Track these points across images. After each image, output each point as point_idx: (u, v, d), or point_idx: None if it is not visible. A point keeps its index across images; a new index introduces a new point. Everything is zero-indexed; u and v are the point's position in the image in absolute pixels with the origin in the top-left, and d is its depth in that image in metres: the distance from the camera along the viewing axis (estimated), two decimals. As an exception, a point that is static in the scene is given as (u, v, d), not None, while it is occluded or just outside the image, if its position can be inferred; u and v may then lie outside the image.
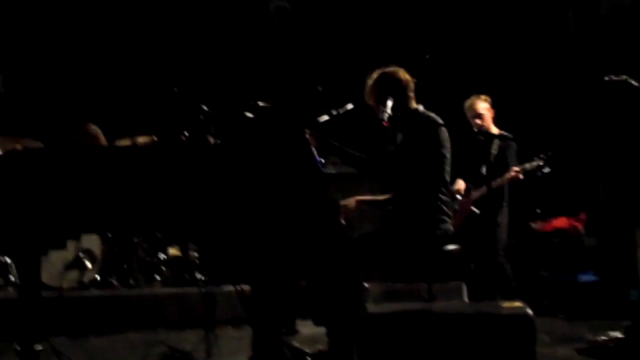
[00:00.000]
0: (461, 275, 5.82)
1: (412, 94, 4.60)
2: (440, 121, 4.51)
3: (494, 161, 6.19)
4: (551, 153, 5.99)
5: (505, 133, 6.24)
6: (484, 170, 6.14)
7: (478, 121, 6.24)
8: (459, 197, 6.28)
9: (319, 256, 4.16)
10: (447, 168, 4.51)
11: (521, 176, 6.01)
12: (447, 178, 4.52)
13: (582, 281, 6.94)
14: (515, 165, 6.09)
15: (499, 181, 6.06)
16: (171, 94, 4.98)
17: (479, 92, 6.45)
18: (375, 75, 4.61)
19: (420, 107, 4.60)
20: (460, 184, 6.31)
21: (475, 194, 6.26)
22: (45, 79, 7.93)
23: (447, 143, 4.52)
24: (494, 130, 6.29)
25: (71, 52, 8.05)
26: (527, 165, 6.00)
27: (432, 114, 4.55)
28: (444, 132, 4.50)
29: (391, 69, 4.63)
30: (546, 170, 5.95)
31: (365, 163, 4.54)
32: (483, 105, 6.28)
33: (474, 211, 6.19)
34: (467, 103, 6.34)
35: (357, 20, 8.53)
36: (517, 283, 6.05)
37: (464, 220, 6.21)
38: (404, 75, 4.61)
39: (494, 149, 6.25)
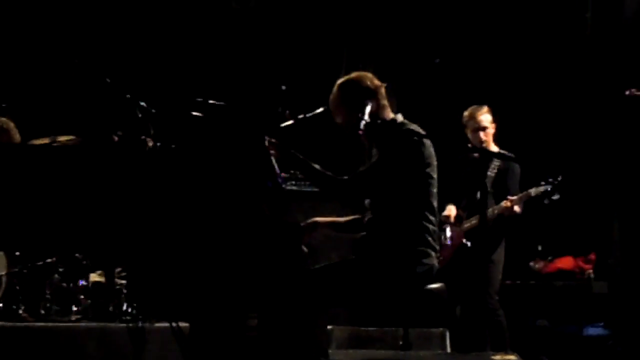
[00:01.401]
0: (445, 320, 5.83)
1: (384, 102, 4.61)
2: (423, 133, 4.52)
3: (492, 185, 6.24)
4: (561, 178, 6.04)
5: (506, 152, 6.29)
6: (478, 195, 6.18)
7: (481, 135, 6.28)
8: (447, 227, 6.31)
9: (273, 289, 4.14)
10: (434, 190, 4.53)
11: (517, 209, 6.06)
12: (434, 203, 4.53)
13: (588, 334, 6.99)
14: (515, 192, 6.13)
15: (494, 211, 6.09)
16: (103, 86, 4.95)
17: (476, 102, 6.50)
18: (338, 86, 4.63)
19: (399, 117, 4.61)
20: (451, 211, 6.34)
21: (467, 224, 6.29)
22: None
23: (433, 160, 4.53)
24: (494, 148, 6.34)
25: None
26: (532, 191, 6.05)
27: (414, 125, 4.56)
28: (429, 147, 4.50)
29: (355, 74, 4.67)
30: (555, 197, 6.01)
31: (334, 183, 4.52)
32: (487, 117, 6.33)
33: (464, 244, 6.22)
34: (467, 114, 6.39)
35: (333, 6, 8.55)
36: (511, 333, 6.08)
37: (453, 255, 6.24)
38: (372, 80, 4.63)
39: (492, 170, 6.30)
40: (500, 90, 7.90)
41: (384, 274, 4.33)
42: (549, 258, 7.54)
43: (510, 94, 8.08)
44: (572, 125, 8.12)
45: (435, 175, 4.53)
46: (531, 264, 7.58)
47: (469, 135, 6.37)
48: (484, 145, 6.29)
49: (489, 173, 6.30)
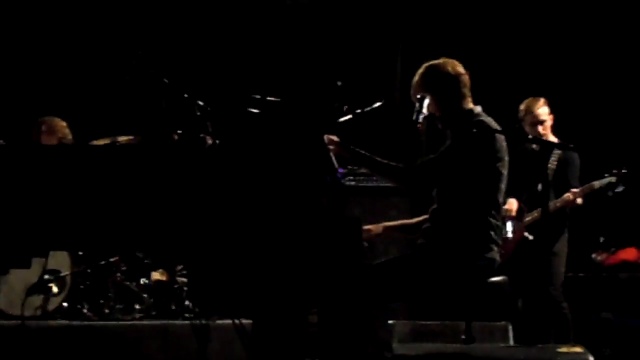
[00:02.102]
0: (507, 313, 5.80)
1: (466, 91, 4.59)
2: (498, 127, 4.50)
3: (553, 177, 6.18)
4: (626, 169, 5.96)
5: (565, 143, 6.23)
6: (540, 188, 6.13)
7: (540, 128, 6.24)
8: (509, 221, 6.26)
9: (333, 284, 4.14)
10: (502, 186, 4.49)
11: (579, 201, 6.00)
12: (501, 199, 4.50)
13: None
14: (576, 185, 6.07)
15: (556, 203, 6.04)
16: (161, 86, 4.99)
17: (530, 93, 6.44)
18: (421, 69, 4.63)
19: (477, 108, 4.58)
20: (513, 205, 6.29)
21: (529, 217, 6.24)
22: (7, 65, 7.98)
23: (505, 155, 4.51)
24: (553, 140, 6.28)
25: (39, 35, 8.09)
26: (596, 183, 5.99)
27: (489, 119, 4.54)
28: (501, 142, 4.49)
29: (440, 60, 4.64)
30: (619, 189, 5.94)
31: (400, 172, 4.51)
32: (544, 110, 6.28)
33: (526, 237, 6.18)
34: (524, 107, 6.35)
35: (388, 2, 8.53)
36: (574, 325, 6.02)
37: (515, 248, 6.19)
38: (454, 67, 4.60)
39: (552, 162, 6.24)
40: (562, 80, 7.81)
41: (445, 266, 4.32)
42: (612, 250, 7.43)
43: (573, 83, 7.98)
44: (635, 111, 8.00)
45: (505, 172, 4.50)
46: (593, 255, 7.48)
47: (527, 128, 6.33)
48: (543, 137, 6.24)
49: (549, 165, 6.25)
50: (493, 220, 4.44)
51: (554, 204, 6.08)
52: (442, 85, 4.53)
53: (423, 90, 4.53)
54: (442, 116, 4.50)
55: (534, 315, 6.16)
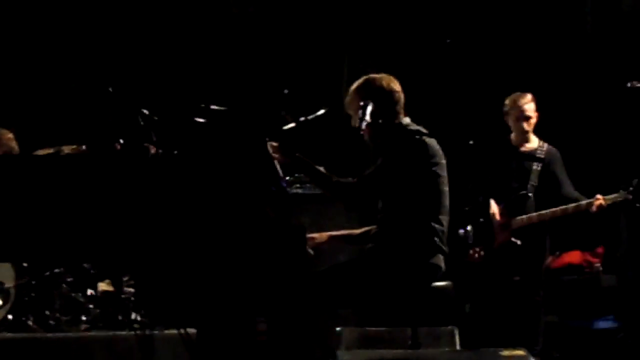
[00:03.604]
0: (454, 318, 5.83)
1: (398, 108, 4.62)
2: (425, 131, 4.52)
3: (539, 180, 6.17)
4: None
5: (548, 146, 6.25)
6: (530, 194, 6.13)
7: (525, 125, 6.23)
8: (470, 226, 6.26)
9: (280, 292, 4.15)
10: (444, 188, 4.52)
11: (604, 202, 5.95)
12: (446, 201, 4.52)
13: (598, 328, 6.98)
14: (568, 181, 6.07)
15: (568, 208, 6.01)
16: (104, 95, 4.97)
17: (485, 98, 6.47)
18: (358, 81, 4.65)
19: (407, 119, 4.62)
20: (493, 207, 6.23)
21: (517, 223, 6.17)
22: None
23: (440, 158, 4.53)
24: (534, 139, 6.28)
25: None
26: (612, 197, 5.94)
27: (417, 126, 4.58)
28: (433, 146, 4.51)
29: (378, 75, 4.67)
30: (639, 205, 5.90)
31: (340, 187, 4.53)
32: (531, 106, 6.25)
33: (512, 242, 6.14)
34: (510, 101, 6.29)
35: (333, 10, 8.55)
36: (519, 328, 6.07)
37: (496, 251, 6.16)
38: (389, 83, 4.63)
39: (537, 164, 6.22)
40: (501, 87, 7.88)
41: (390, 273, 4.35)
42: (557, 253, 7.51)
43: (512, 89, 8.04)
44: (573, 117, 8.06)
45: (443, 173, 4.52)
46: (539, 259, 7.56)
47: (511, 123, 6.30)
48: (526, 135, 6.24)
49: (534, 167, 6.24)
50: (437, 226, 4.46)
51: (578, 206, 6.04)
52: (375, 99, 4.52)
53: (358, 101, 4.55)
54: (372, 128, 4.50)
55: (481, 319, 6.19)
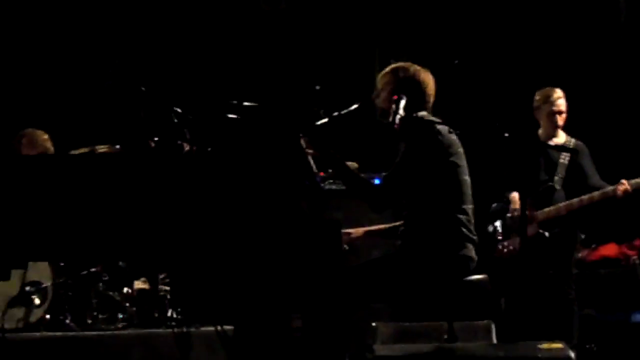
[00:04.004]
0: (490, 312, 5.81)
1: (428, 102, 4.59)
2: (438, 120, 4.48)
3: (566, 173, 6.15)
4: None
5: (575, 141, 6.23)
6: (557, 185, 6.11)
7: (558, 119, 6.21)
8: (498, 220, 6.24)
9: (315, 288, 4.16)
10: (464, 178, 4.48)
11: (629, 187, 5.92)
12: (468, 191, 4.49)
13: (636, 321, 6.93)
14: (596, 174, 6.05)
15: (593, 196, 5.98)
16: (139, 94, 4.99)
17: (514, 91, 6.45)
18: (390, 69, 4.63)
19: (423, 113, 4.56)
20: (515, 198, 6.21)
21: (542, 214, 6.15)
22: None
23: (457, 148, 4.48)
24: (562, 135, 6.27)
25: (17, 47, 8.07)
26: (635, 182, 5.94)
27: (433, 118, 4.54)
28: (447, 135, 4.46)
29: (414, 66, 4.64)
30: None
31: (368, 190, 4.51)
32: (563, 102, 6.25)
33: (541, 234, 6.11)
34: (541, 96, 6.29)
35: (364, 5, 8.54)
36: (555, 322, 6.04)
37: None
38: (427, 77, 4.60)
39: (564, 157, 6.20)
40: (535, 82, 7.83)
41: (420, 268, 4.33)
42: (593, 246, 7.47)
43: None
44: (606, 111, 8.02)
45: (462, 163, 4.47)
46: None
47: (542, 118, 6.28)
48: (558, 130, 6.22)
49: (560, 160, 6.22)
50: (462, 216, 4.42)
51: (596, 195, 6.01)
52: (408, 91, 4.48)
53: (390, 86, 4.53)
54: (404, 122, 4.44)
55: (518, 314, 6.17)
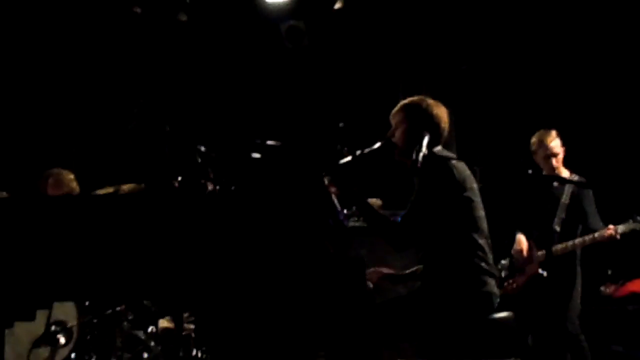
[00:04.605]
0: (516, 350, 5.77)
1: (443, 138, 4.58)
2: (451, 155, 4.47)
3: (567, 213, 6.18)
4: None
5: (577, 177, 6.24)
6: (557, 227, 6.14)
7: (553, 162, 6.24)
8: (507, 259, 6.26)
9: (340, 326, 4.14)
10: (480, 213, 4.45)
11: (619, 236, 5.96)
12: (483, 225, 4.46)
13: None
14: (596, 217, 6.06)
15: (585, 240, 6.02)
16: (162, 133, 5.02)
17: (534, 126, 6.46)
18: (402, 105, 4.63)
19: (438, 148, 4.56)
20: (522, 242, 6.26)
21: (542, 255, 6.18)
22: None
23: (470, 183, 4.46)
24: (565, 173, 6.28)
25: (41, 86, 8.15)
26: (621, 227, 5.96)
27: (445, 152, 4.52)
28: (462, 170, 4.45)
29: (426, 100, 4.63)
30: None
31: (387, 229, 4.50)
32: (557, 143, 6.29)
33: (539, 274, 6.14)
34: (535, 140, 6.35)
35: (388, 43, 8.56)
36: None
37: (526, 284, 6.18)
38: (440, 111, 4.60)
39: (566, 197, 6.23)
40: (560, 111, 7.83)
41: (444, 307, 4.31)
42: (620, 282, 7.42)
43: (571, 114, 7.98)
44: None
45: (476, 198, 4.44)
46: (602, 288, 7.47)
47: (539, 162, 6.32)
48: (556, 172, 6.24)
49: (562, 200, 6.24)
50: (480, 253, 4.39)
51: (591, 238, 6.05)
52: (429, 128, 4.48)
53: (404, 120, 4.53)
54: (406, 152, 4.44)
55: (545, 350, 6.13)
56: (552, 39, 8.25)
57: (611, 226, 6.02)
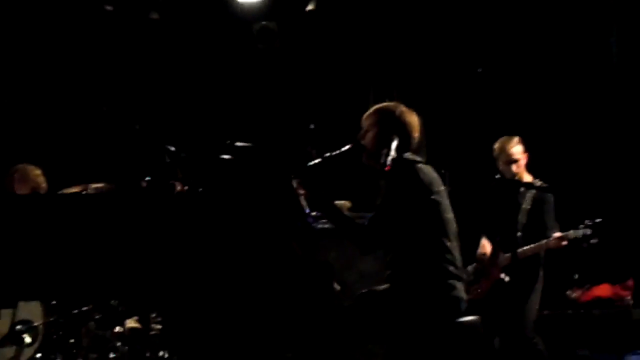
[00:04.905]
0: (483, 353, 5.79)
1: (413, 145, 4.57)
2: (418, 159, 4.47)
3: (528, 218, 6.21)
4: (600, 220, 5.98)
5: (539, 182, 6.27)
6: (519, 232, 6.17)
7: (514, 168, 6.29)
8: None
9: (307, 328, 4.14)
10: (447, 216, 4.44)
11: (564, 243, 6.02)
12: (452, 228, 4.47)
13: (629, 362, 6.91)
14: (553, 224, 6.11)
15: (533, 247, 6.07)
16: (131, 133, 5.00)
17: (502, 132, 6.50)
18: (375, 109, 4.63)
19: (407, 154, 4.55)
20: (486, 247, 6.32)
21: (504, 260, 6.24)
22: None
23: (438, 186, 4.44)
24: (527, 178, 6.32)
25: (11, 83, 8.09)
26: (571, 233, 6.01)
27: (415, 157, 4.52)
28: (428, 173, 4.44)
29: (400, 107, 4.63)
30: (593, 241, 5.96)
31: (355, 233, 4.48)
32: (518, 149, 6.33)
33: (501, 279, 6.19)
34: (498, 146, 6.39)
35: (359, 43, 8.57)
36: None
37: (490, 288, 6.21)
38: (412, 118, 4.60)
39: (527, 202, 6.27)
40: (523, 120, 7.86)
41: (412, 310, 4.30)
42: (586, 286, 7.47)
43: (535, 122, 8.01)
44: (601, 151, 8.05)
45: (444, 201, 4.43)
46: (568, 292, 7.52)
47: (501, 167, 6.37)
48: (517, 177, 6.28)
49: (523, 206, 6.28)
50: (448, 256, 4.37)
51: (537, 246, 6.10)
52: (399, 133, 4.48)
53: (375, 124, 4.53)
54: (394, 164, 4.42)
55: (511, 354, 6.16)
56: (519, 46, 8.30)
57: (556, 234, 6.07)
